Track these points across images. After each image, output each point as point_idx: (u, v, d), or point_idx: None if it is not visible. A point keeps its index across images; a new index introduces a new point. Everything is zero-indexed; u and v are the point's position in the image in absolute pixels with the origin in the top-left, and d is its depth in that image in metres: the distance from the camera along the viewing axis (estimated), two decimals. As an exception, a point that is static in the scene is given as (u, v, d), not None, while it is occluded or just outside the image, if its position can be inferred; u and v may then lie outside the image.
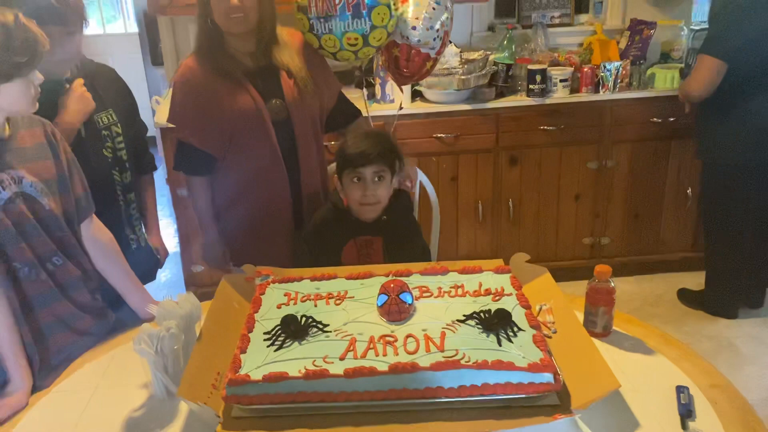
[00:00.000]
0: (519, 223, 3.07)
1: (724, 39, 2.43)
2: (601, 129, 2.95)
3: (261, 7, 1.74)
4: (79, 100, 1.67)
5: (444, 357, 1.13)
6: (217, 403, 1.11)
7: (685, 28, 3.17)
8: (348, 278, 1.46)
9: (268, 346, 1.20)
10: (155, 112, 2.94)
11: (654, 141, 2.98)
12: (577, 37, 3.29)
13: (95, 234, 1.52)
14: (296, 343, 1.20)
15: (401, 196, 1.82)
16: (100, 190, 1.63)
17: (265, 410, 1.11)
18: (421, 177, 2.14)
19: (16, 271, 1.35)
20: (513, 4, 3.31)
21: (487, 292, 1.37)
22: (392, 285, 1.30)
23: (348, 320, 1.28)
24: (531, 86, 2.88)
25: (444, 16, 2.00)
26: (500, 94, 2.95)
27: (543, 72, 2.86)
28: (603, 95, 2.91)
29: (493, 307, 1.28)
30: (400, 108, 2.65)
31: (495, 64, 2.98)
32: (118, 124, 1.80)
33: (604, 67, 2.89)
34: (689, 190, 3.04)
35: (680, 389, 1.19)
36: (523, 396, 1.10)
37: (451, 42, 2.66)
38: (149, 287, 1.67)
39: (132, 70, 5.02)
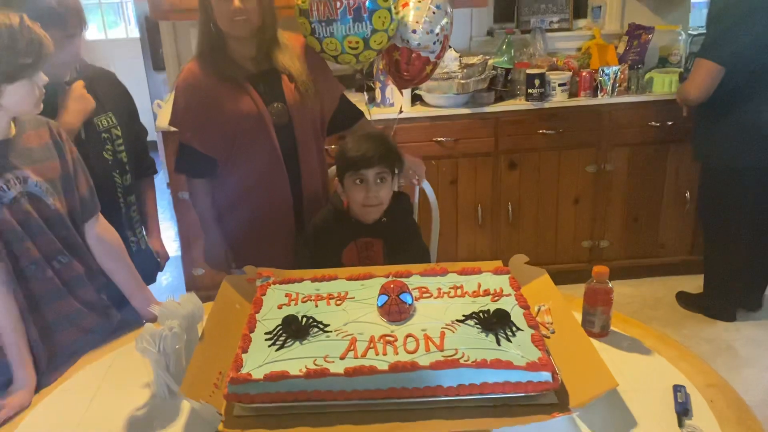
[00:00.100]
0: (518, 226, 3.08)
1: (721, 43, 2.45)
2: (599, 133, 2.97)
3: (263, 10, 1.76)
4: (79, 100, 1.69)
5: (443, 356, 1.14)
6: (218, 402, 1.12)
7: (683, 32, 3.19)
8: (348, 279, 1.47)
9: (269, 346, 1.21)
10: (157, 116, 2.96)
11: (652, 144, 3.00)
12: (576, 41, 3.31)
13: (101, 233, 1.53)
14: (297, 343, 1.22)
15: (401, 199, 1.84)
16: (100, 192, 1.64)
17: (267, 409, 1.12)
18: (421, 180, 2.15)
19: (23, 270, 1.37)
20: (512, 9, 3.34)
21: (486, 293, 1.38)
22: (392, 286, 1.32)
23: (348, 320, 1.29)
24: (530, 90, 2.90)
25: (444, 21, 2.02)
26: (499, 98, 2.97)
27: (542, 76, 2.88)
28: (601, 99, 2.93)
29: (492, 307, 1.29)
30: (400, 112, 2.67)
31: (494, 68, 3.00)
32: (118, 127, 1.82)
33: (603, 71, 2.91)
34: (687, 194, 3.06)
35: (677, 388, 1.20)
36: (522, 395, 1.11)
37: (450, 46, 2.68)
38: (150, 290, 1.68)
39: (133, 75, 5.02)
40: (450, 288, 1.41)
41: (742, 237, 2.72)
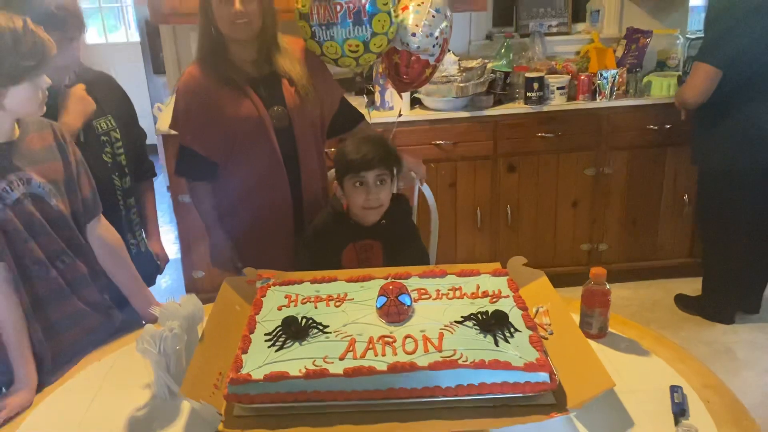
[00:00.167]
0: (517, 229, 3.09)
1: (718, 47, 2.46)
2: (598, 136, 2.98)
3: (263, 13, 1.78)
4: (79, 102, 1.70)
5: (442, 357, 1.15)
6: (218, 403, 1.12)
7: (681, 36, 3.20)
8: (348, 281, 1.48)
9: (269, 347, 1.22)
10: (157, 119, 2.97)
11: (650, 148, 3.01)
12: (574, 45, 3.33)
13: (102, 234, 1.54)
14: (297, 344, 1.22)
15: (400, 201, 1.85)
16: (100, 194, 1.65)
17: (266, 409, 1.12)
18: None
19: (27, 270, 1.38)
20: (511, 13, 3.36)
21: (485, 295, 1.39)
22: (391, 287, 1.32)
23: (348, 321, 1.30)
24: (528, 94, 2.91)
25: (443, 24, 2.04)
26: (498, 102, 2.98)
27: (540, 80, 2.90)
28: (600, 103, 2.94)
29: (491, 308, 1.30)
30: (399, 115, 2.68)
31: (493, 72, 3.02)
32: (117, 130, 1.82)
33: (601, 74, 2.92)
34: (686, 197, 3.07)
35: (674, 389, 1.21)
36: (520, 395, 1.11)
37: (449, 50, 2.70)
38: (149, 292, 1.69)
39: (134, 79, 5.04)
40: (449, 289, 1.42)
41: (740, 240, 2.73)
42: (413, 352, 1.17)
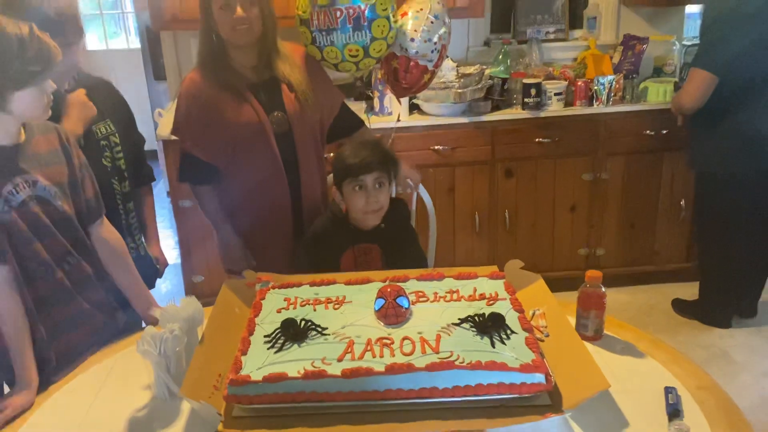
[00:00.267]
0: (515, 233, 3.11)
1: (714, 53, 2.48)
2: (595, 141, 3.00)
3: (264, 19, 1.80)
4: (80, 107, 1.72)
5: (439, 358, 1.17)
6: (218, 403, 1.14)
7: (677, 43, 3.23)
8: (346, 284, 1.49)
9: (268, 349, 1.23)
10: (158, 125, 2.99)
11: (647, 153, 3.03)
12: (572, 52, 3.35)
13: (105, 235, 1.56)
14: (295, 346, 1.24)
15: (398, 205, 1.86)
16: (99, 198, 1.67)
17: (265, 410, 1.14)
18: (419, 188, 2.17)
19: (32, 271, 1.39)
20: (508, 20, 3.38)
21: (482, 297, 1.40)
22: (389, 289, 1.34)
23: (346, 323, 1.31)
24: (526, 99, 2.93)
25: (442, 30, 2.06)
26: (496, 108, 3.00)
27: (538, 86, 2.92)
28: (597, 108, 2.96)
29: (488, 311, 1.32)
30: (398, 120, 2.70)
31: (491, 78, 3.04)
32: (116, 135, 1.84)
33: (598, 81, 2.95)
34: (683, 202, 3.09)
35: (668, 390, 1.23)
36: (516, 396, 1.13)
37: (447, 56, 2.72)
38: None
39: (134, 85, 5.09)
40: (446, 292, 1.43)
41: (737, 244, 2.75)
42: (411, 354, 1.19)
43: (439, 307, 1.38)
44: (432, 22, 2.03)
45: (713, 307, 2.89)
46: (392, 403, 1.13)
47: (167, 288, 3.38)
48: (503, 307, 1.35)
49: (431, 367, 1.13)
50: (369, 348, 1.21)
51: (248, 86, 1.85)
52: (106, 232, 1.57)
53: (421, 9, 2.04)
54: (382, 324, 1.31)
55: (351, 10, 1.87)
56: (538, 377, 1.13)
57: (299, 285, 1.50)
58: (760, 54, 2.46)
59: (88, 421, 1.24)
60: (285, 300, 1.43)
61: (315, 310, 1.38)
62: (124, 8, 5.96)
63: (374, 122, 2.78)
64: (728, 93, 2.50)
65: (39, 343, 1.40)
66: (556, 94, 2.93)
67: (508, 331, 1.25)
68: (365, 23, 1.89)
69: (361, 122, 2.13)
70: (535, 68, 3.14)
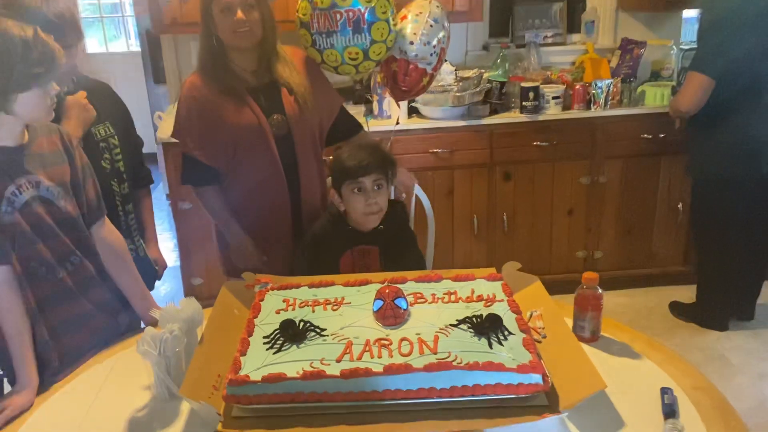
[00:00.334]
0: (513, 236, 3.12)
1: (711, 57, 2.50)
2: (593, 145, 3.01)
3: (264, 22, 1.81)
4: (80, 110, 1.73)
5: (437, 359, 1.17)
6: (217, 404, 1.14)
7: (674, 47, 3.24)
8: (345, 285, 1.50)
9: (267, 349, 1.24)
10: (158, 127, 3.00)
11: (645, 157, 3.04)
12: (570, 55, 3.37)
13: (106, 236, 1.57)
14: (294, 346, 1.24)
15: (397, 207, 1.87)
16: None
17: (264, 410, 1.14)
18: (417, 191, 2.18)
19: (34, 272, 1.40)
20: (507, 24, 3.40)
21: (480, 299, 1.41)
22: (387, 291, 1.35)
23: (345, 325, 1.32)
24: (524, 103, 2.94)
25: (441, 34, 2.08)
26: (494, 111, 3.02)
27: (536, 89, 2.93)
28: (594, 112, 2.97)
29: (485, 312, 1.32)
30: (397, 123, 2.71)
31: (489, 81, 3.05)
32: (115, 137, 1.85)
33: (596, 84, 2.96)
34: (680, 205, 3.10)
35: (664, 390, 1.24)
36: (513, 396, 1.13)
37: (446, 60, 2.74)
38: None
39: (134, 88, 5.09)
40: (444, 294, 1.44)
41: (734, 247, 2.76)
42: (409, 354, 1.20)
43: (437, 308, 1.39)
44: (431, 26, 2.05)
45: (711, 310, 2.90)
46: (390, 403, 1.14)
47: (166, 290, 3.38)
48: (501, 309, 1.36)
49: (429, 368, 1.14)
50: (367, 349, 1.22)
51: (248, 89, 1.87)
52: (107, 232, 1.57)
53: (421, 12, 2.05)
54: (381, 325, 1.31)
55: (351, 13, 1.88)
56: (536, 378, 1.13)
57: (298, 286, 1.51)
58: (758, 58, 2.48)
59: (88, 421, 1.24)
60: (284, 301, 1.44)
61: (314, 311, 1.39)
62: (124, 12, 5.98)
63: (373, 125, 2.79)
64: (725, 97, 2.51)
65: (40, 343, 1.41)
66: (554, 98, 2.95)
67: (506, 332, 1.26)
68: (365, 26, 1.91)
69: (360, 126, 2.14)
70: (533, 72, 3.16)
